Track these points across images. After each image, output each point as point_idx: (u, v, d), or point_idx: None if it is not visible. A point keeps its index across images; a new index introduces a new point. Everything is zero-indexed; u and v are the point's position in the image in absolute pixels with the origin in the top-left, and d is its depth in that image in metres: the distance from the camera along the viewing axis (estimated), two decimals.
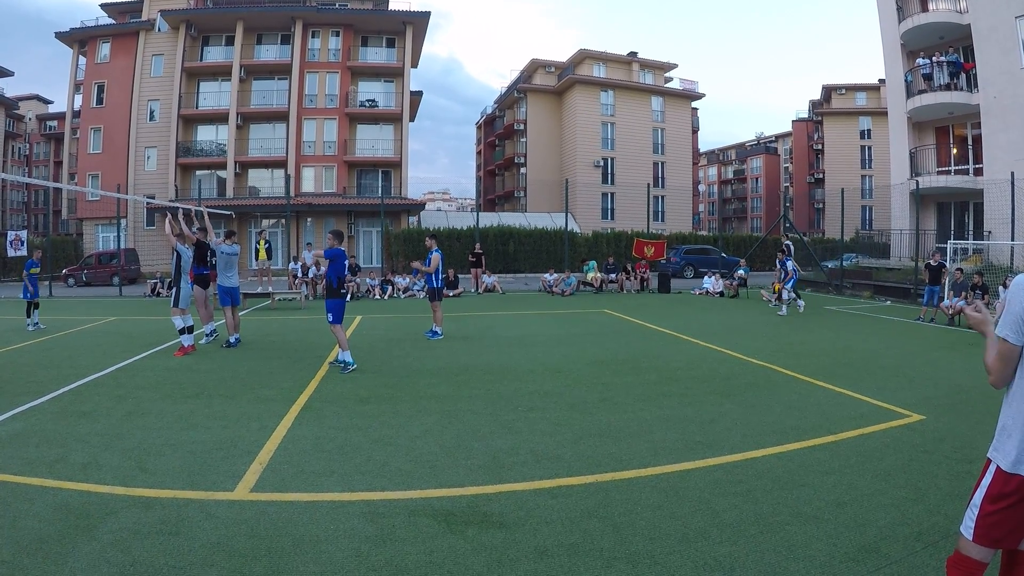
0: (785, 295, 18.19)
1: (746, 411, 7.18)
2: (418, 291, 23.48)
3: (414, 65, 47.69)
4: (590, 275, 25.65)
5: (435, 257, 13.11)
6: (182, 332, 11.54)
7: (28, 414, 7.60)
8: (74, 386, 8.90)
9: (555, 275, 25.10)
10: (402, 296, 23.71)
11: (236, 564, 3.88)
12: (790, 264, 18.50)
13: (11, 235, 29.64)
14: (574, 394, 8.00)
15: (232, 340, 12.33)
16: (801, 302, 18.38)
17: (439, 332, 13.10)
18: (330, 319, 9.96)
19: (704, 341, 12.30)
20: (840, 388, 8.33)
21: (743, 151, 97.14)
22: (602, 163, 54.12)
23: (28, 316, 15.44)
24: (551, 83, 58.24)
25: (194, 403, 7.92)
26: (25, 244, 28.95)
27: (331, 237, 10.45)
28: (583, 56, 56.31)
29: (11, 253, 28.77)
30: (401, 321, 16.13)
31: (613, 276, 25.95)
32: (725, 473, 5.27)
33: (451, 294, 22.66)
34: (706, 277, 24.56)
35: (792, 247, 19.40)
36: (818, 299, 21.79)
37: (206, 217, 12.81)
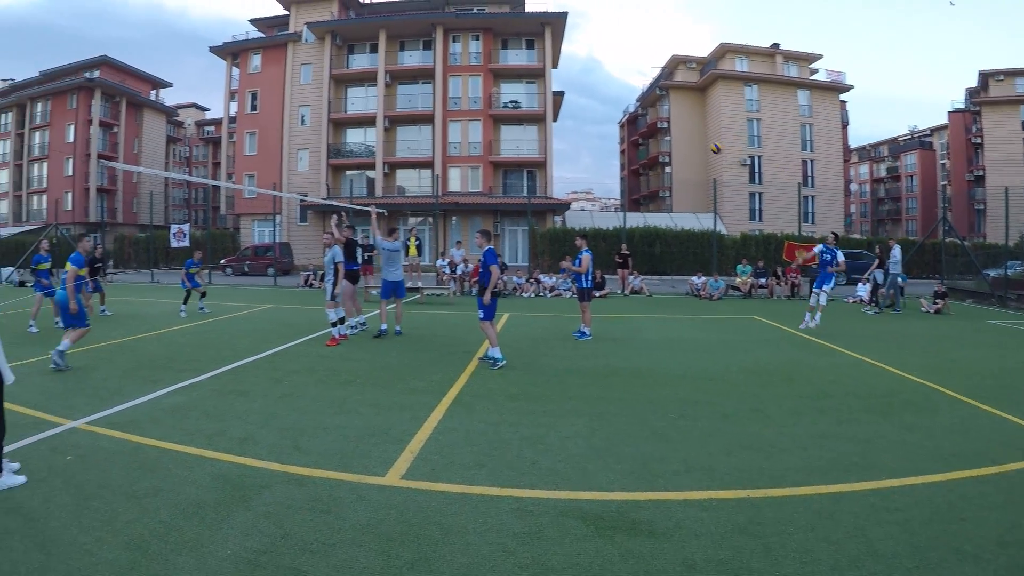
0: (814, 299, 14.73)
1: (903, 432, 6.58)
2: (564, 291, 23.44)
3: (554, 65, 47.81)
4: (739, 279, 24.81)
5: (585, 257, 13.07)
6: (334, 324, 12.03)
7: (189, 389, 8.18)
8: (232, 367, 9.48)
9: (703, 278, 24.41)
10: (548, 295, 23.73)
11: (384, 547, 3.93)
12: (839, 256, 14.73)
13: (175, 228, 32.38)
14: (725, 404, 7.61)
15: (397, 330, 13.10)
16: (815, 320, 14.52)
17: (587, 333, 12.97)
18: (481, 316, 9.94)
19: (858, 353, 11.43)
20: (1007, 414, 7.43)
21: (895, 147, 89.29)
22: (749, 161, 51.80)
23: (184, 304, 16.95)
24: (693, 79, 56.64)
25: (347, 390, 8.17)
26: (188, 236, 31.49)
27: (480, 236, 10.59)
28: (724, 50, 54.36)
29: (174, 244, 31.76)
30: (548, 320, 16.07)
31: (763, 281, 24.97)
32: (881, 499, 4.82)
33: (598, 295, 22.43)
34: (859, 284, 23.01)
35: (836, 241, 15.62)
36: (980, 312, 19.87)
37: (373, 217, 13.31)
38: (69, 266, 9.72)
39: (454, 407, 7.28)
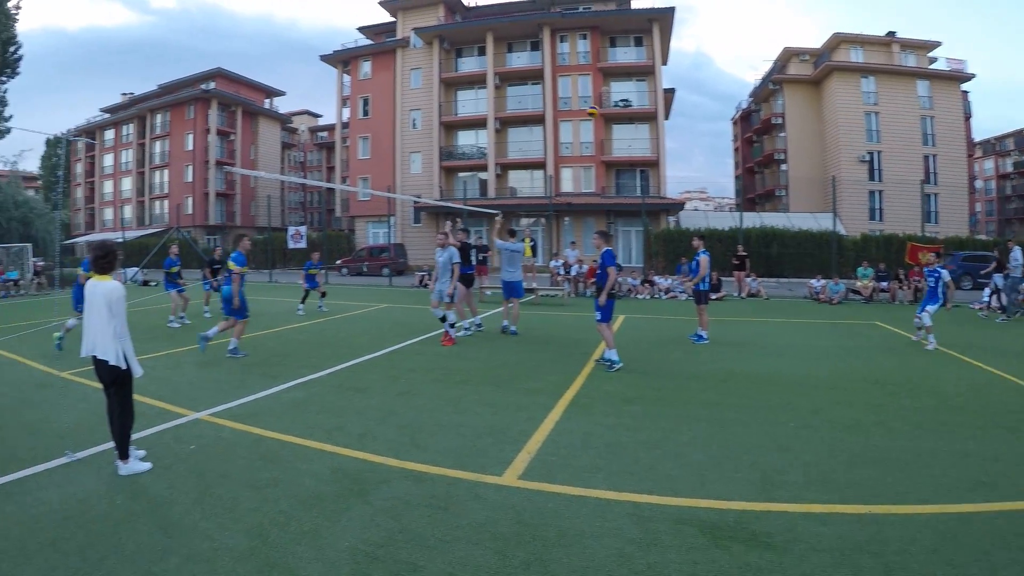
0: (918, 320, 12.85)
1: None
2: (680, 292, 23.01)
3: (664, 62, 46.89)
4: (860, 283, 23.68)
5: (703, 259, 12.88)
6: (448, 323, 12.12)
7: (309, 385, 8.47)
8: (350, 364, 9.74)
9: (822, 281, 23.43)
10: (663, 297, 23.32)
11: (500, 546, 3.94)
12: (944, 275, 12.91)
13: (292, 230, 33.61)
14: (847, 414, 7.20)
15: (512, 329, 13.33)
16: (932, 340, 12.37)
17: (704, 336, 12.67)
18: (598, 317, 9.78)
19: (986, 364, 10.49)
20: None
21: (1022, 139, 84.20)
22: (868, 157, 49.34)
23: (302, 303, 17.76)
24: (807, 72, 53.99)
25: (463, 389, 8.25)
26: (304, 238, 32.57)
27: (598, 237, 10.32)
28: (838, 41, 51.79)
29: (291, 245, 33.03)
30: (664, 323, 15.76)
31: (884, 285, 23.69)
32: (1008, 522, 4.42)
33: (714, 297, 21.93)
34: (987, 289, 21.39)
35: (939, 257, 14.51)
36: None
37: (498, 223, 13.66)
38: (232, 264, 10.68)
39: (571, 409, 7.22)
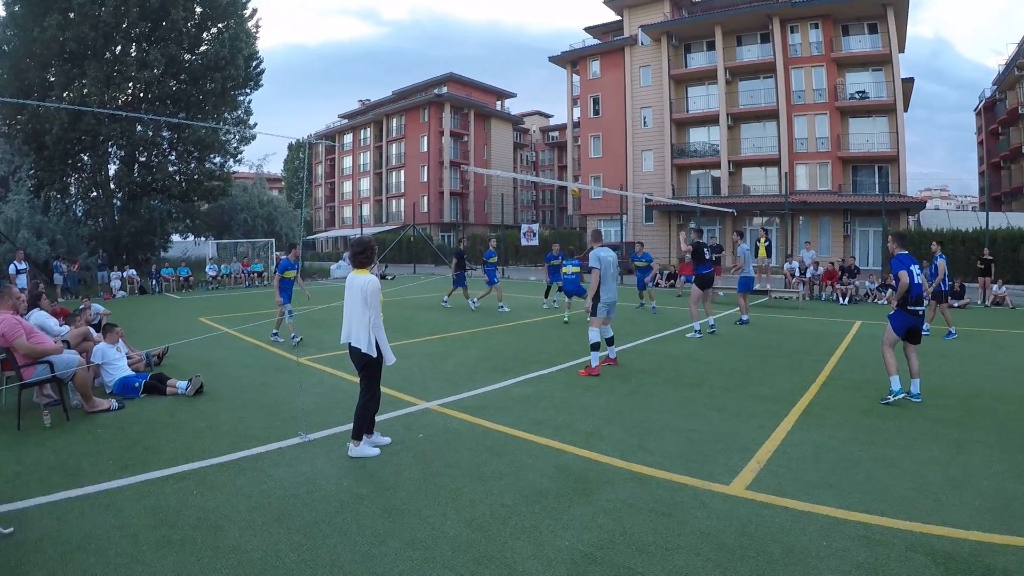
0: None
1: None
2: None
3: (901, 50, 43.03)
4: None
5: (941, 263, 13.33)
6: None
7: (538, 380, 8.75)
8: (580, 361, 9.81)
9: None
10: None
11: (722, 558, 3.85)
12: None
13: (524, 227, 34.47)
14: None
15: (743, 319, 15.08)
16: None
17: (953, 332, 13.39)
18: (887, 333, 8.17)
19: None
20: None
21: None
22: None
23: (545, 297, 18.88)
24: None
25: (694, 391, 8.16)
26: (536, 235, 33.35)
27: (893, 241, 8.39)
28: None
29: (524, 242, 33.79)
30: None
31: None
32: None
33: (956, 305, 20.16)
34: None
35: None
36: None
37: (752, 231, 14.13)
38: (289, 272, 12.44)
39: (803, 418, 6.92)
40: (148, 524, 4.23)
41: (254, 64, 36.39)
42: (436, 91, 67.04)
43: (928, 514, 4.52)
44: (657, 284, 26.54)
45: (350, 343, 5.67)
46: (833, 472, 5.32)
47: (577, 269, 15.62)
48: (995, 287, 21.96)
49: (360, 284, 5.57)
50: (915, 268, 7.72)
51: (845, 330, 14.24)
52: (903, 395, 7.67)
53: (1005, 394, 8.39)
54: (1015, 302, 21.96)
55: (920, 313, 7.43)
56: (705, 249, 13.71)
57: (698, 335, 12.97)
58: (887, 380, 7.64)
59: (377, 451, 5.65)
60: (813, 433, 6.37)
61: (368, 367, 5.63)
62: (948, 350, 11.67)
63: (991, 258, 22.40)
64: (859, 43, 42.82)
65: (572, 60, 53.73)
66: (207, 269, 30.58)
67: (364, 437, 5.67)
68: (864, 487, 5.01)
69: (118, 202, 34.22)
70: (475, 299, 17.73)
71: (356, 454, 5.56)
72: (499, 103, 75.52)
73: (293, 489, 4.84)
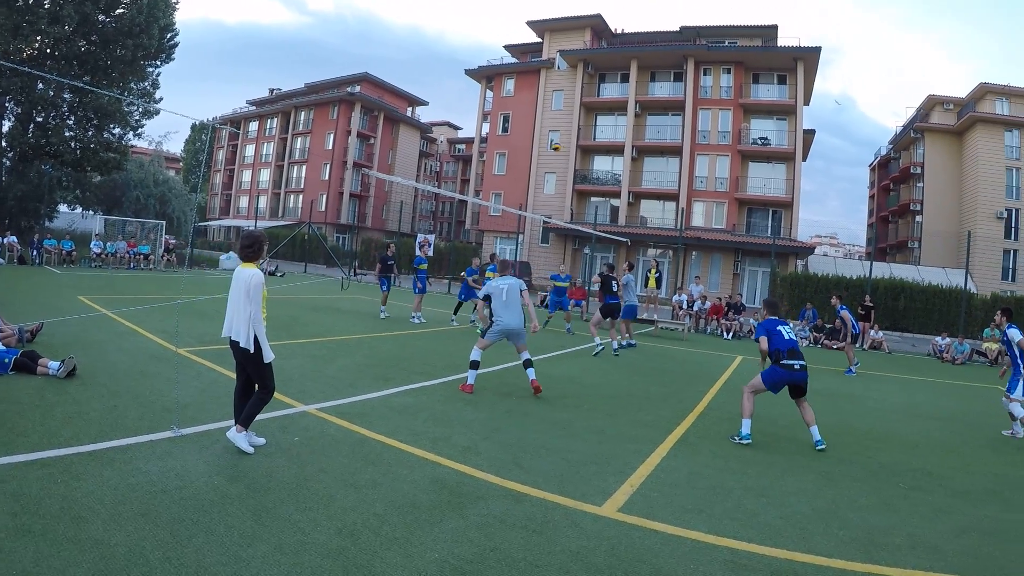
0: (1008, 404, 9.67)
1: None
2: (803, 338, 22.32)
3: (806, 103, 45.61)
4: (986, 344, 22.31)
5: (845, 314, 15.71)
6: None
7: (419, 392, 8.65)
8: (463, 375, 9.64)
9: (947, 339, 22.29)
10: None
11: None
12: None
13: (420, 237, 34.32)
14: (961, 480, 6.79)
15: (625, 343, 15.82)
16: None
17: (852, 370, 15.36)
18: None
19: None
20: None
21: None
22: (1005, 215, 45.90)
23: (455, 313, 18.81)
24: (950, 122, 50.78)
25: (574, 413, 8.25)
26: (431, 247, 33.30)
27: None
28: (984, 91, 48.38)
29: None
30: None
31: None
32: None
33: (835, 347, 21.35)
34: None
35: None
36: None
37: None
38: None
39: (679, 446, 7.08)
40: (7, 511, 3.91)
41: (168, 36, 35.05)
42: (349, 89, 66.44)
43: (794, 542, 4.69)
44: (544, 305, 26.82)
45: (230, 337, 5.54)
46: (704, 498, 5.45)
47: (565, 284, 17.68)
48: (873, 332, 23.18)
49: (245, 278, 5.46)
50: (783, 328, 7.84)
51: (726, 364, 14.82)
52: (749, 441, 7.48)
53: (874, 431, 8.94)
54: (891, 347, 23.26)
55: (797, 367, 7.55)
56: (613, 282, 14.98)
57: (600, 346, 14.00)
58: (756, 413, 7.83)
59: (252, 449, 5.45)
60: (687, 460, 6.52)
61: (252, 364, 5.51)
62: (824, 388, 12.21)
63: (871, 305, 23.60)
64: (767, 92, 44.75)
65: (488, 75, 54.17)
66: (92, 245, 29.21)
67: (246, 432, 5.52)
68: (733, 514, 5.14)
69: (7, 162, 32.39)
70: (418, 314, 17.36)
71: (233, 439, 5.40)
72: (410, 109, 75.43)
73: (162, 484, 4.58)
